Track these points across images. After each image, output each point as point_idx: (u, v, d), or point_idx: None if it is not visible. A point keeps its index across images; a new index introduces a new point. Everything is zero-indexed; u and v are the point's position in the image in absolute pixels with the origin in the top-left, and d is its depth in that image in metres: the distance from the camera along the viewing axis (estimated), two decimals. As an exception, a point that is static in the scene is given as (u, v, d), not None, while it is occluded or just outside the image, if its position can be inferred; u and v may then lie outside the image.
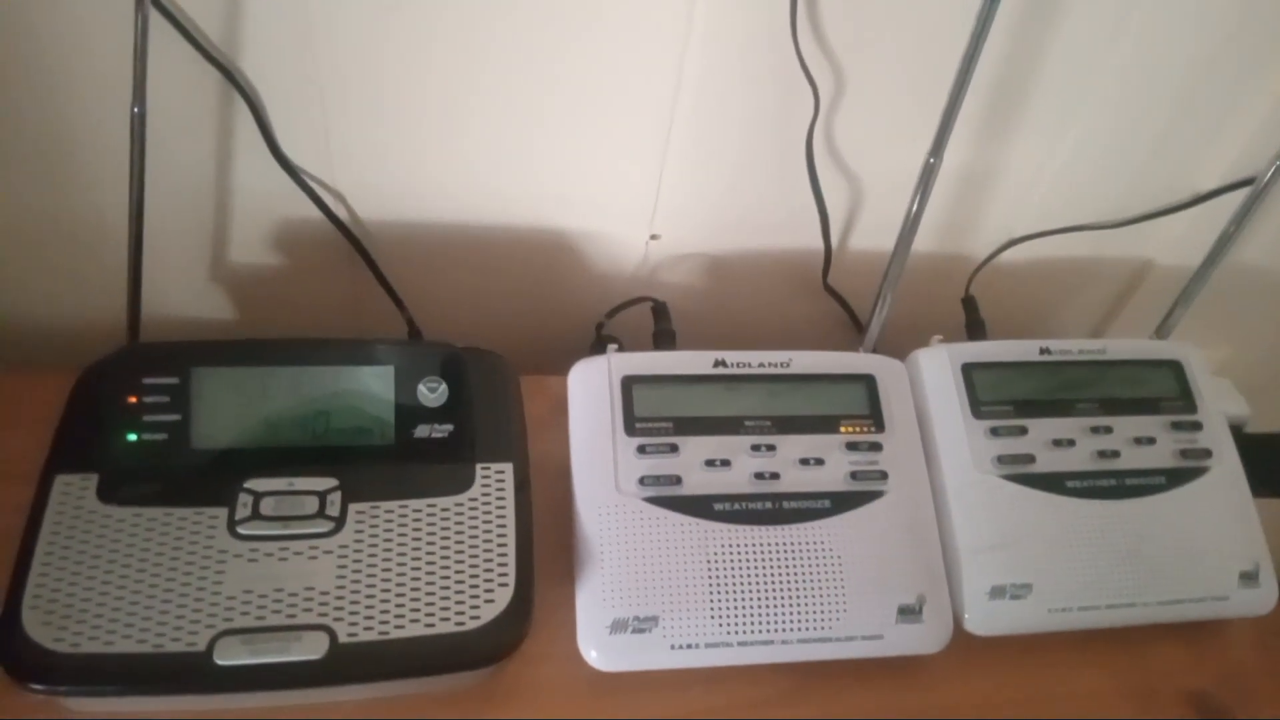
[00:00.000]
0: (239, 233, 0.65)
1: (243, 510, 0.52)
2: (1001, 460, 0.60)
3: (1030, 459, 0.60)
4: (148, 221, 0.56)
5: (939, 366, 0.63)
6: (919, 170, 0.58)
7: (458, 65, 0.58)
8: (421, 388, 0.57)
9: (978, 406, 0.62)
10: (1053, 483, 0.60)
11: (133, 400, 0.54)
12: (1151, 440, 0.62)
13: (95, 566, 0.50)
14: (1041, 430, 0.61)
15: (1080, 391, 0.63)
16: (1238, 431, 0.66)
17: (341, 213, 0.64)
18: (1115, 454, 0.61)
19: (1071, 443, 0.61)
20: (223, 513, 0.52)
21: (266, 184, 0.61)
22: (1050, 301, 0.79)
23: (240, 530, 0.51)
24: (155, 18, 0.52)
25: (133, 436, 0.53)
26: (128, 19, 0.50)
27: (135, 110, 0.52)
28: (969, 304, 0.72)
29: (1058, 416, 0.62)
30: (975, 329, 0.71)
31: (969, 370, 0.63)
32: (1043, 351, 0.64)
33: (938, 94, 0.56)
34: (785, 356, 0.61)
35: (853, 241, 0.72)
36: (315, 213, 0.63)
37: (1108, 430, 0.62)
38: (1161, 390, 0.64)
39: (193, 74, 0.55)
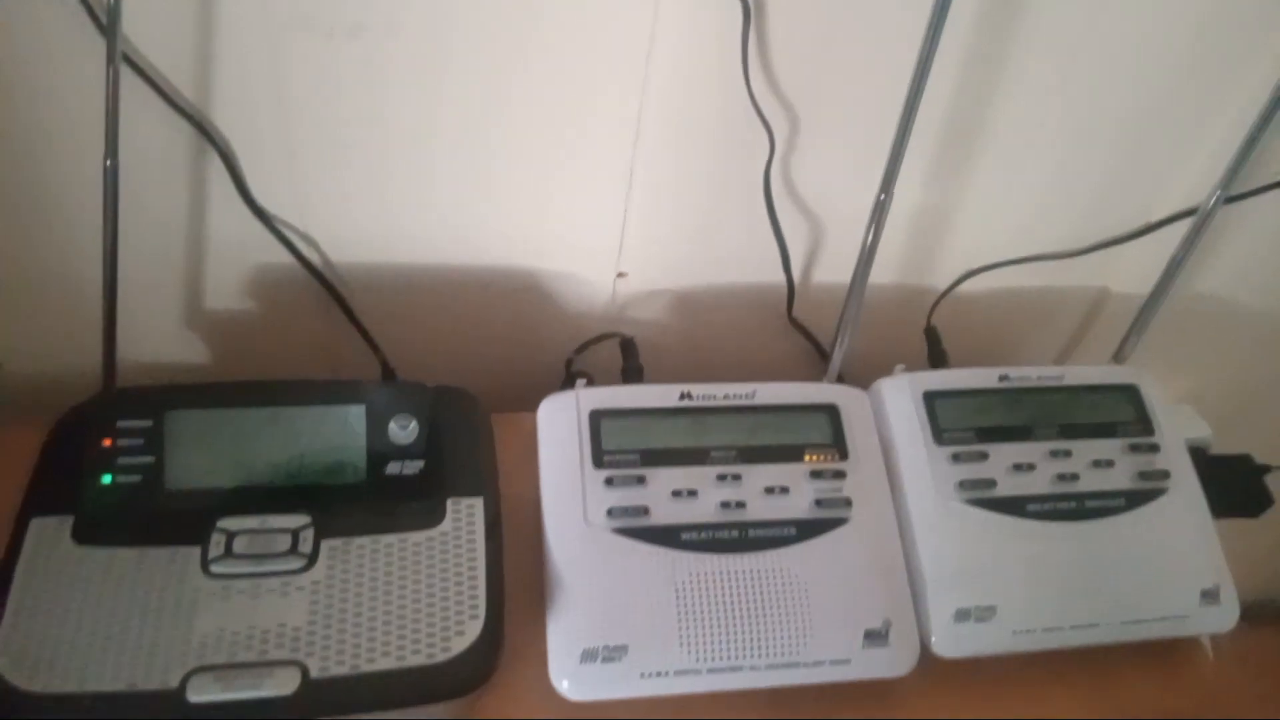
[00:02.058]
0: (214, 279, 0.66)
1: (215, 549, 0.53)
2: (964, 485, 0.61)
3: (992, 484, 0.62)
4: (123, 270, 0.57)
5: (901, 395, 0.64)
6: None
7: (423, 113, 0.60)
8: (393, 425, 0.58)
9: (940, 433, 0.63)
10: (1014, 506, 0.61)
11: (107, 443, 0.55)
12: (1110, 463, 0.63)
13: (69, 607, 0.50)
14: (1002, 455, 0.63)
15: (1040, 417, 0.65)
16: (1200, 454, 0.67)
17: (314, 258, 0.66)
18: (1075, 477, 0.62)
19: (1032, 467, 0.63)
20: (196, 552, 0.53)
21: (240, 231, 0.63)
22: (1012, 331, 0.81)
23: (213, 569, 0.52)
24: (126, 73, 0.54)
25: (108, 479, 0.54)
26: (100, 74, 0.52)
27: (108, 164, 0.53)
28: (931, 334, 0.74)
29: (1018, 441, 0.63)
30: (938, 359, 0.72)
31: (930, 398, 0.64)
32: (1002, 379, 0.66)
33: (890, 131, 0.58)
34: (750, 388, 0.63)
35: (816, 275, 0.74)
36: (288, 258, 0.65)
37: (1067, 454, 0.63)
38: (1119, 414, 0.66)
39: (165, 126, 0.57)
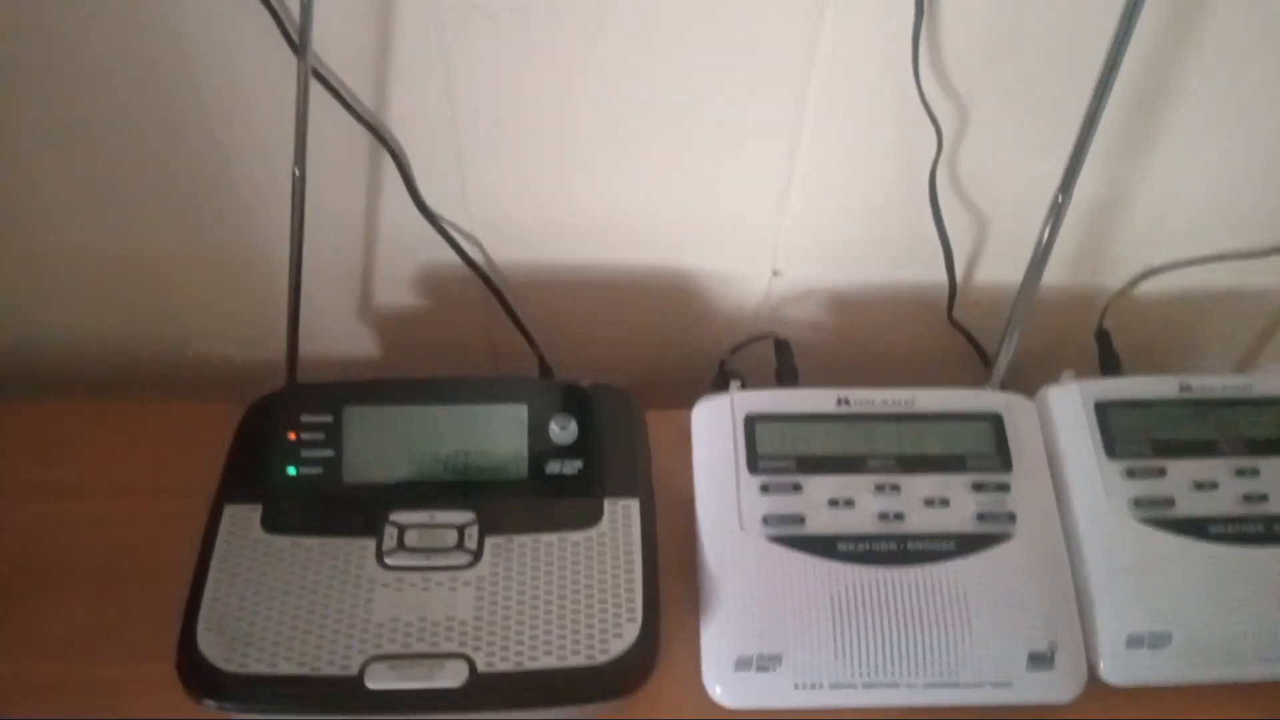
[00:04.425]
0: (384, 276, 0.69)
1: (389, 541, 0.56)
2: (1139, 503, 0.58)
3: (1170, 502, 0.58)
4: (304, 267, 0.60)
5: (1071, 404, 0.62)
6: (1047, 203, 0.57)
7: (584, 113, 0.60)
8: (553, 425, 0.59)
9: (1113, 447, 0.60)
10: (1194, 527, 0.58)
11: (292, 436, 0.59)
12: (1305, 483, 0.59)
13: (260, 591, 0.54)
14: (1182, 472, 0.59)
15: (1224, 431, 0.61)
16: None
17: (477, 255, 0.68)
18: (1264, 497, 0.58)
19: (1215, 485, 0.59)
20: (371, 543, 0.56)
21: (409, 231, 0.65)
22: (1192, 335, 0.76)
23: (387, 561, 0.55)
24: (312, 83, 0.56)
25: (292, 470, 0.58)
26: (285, 84, 0.54)
27: (296, 172, 0.56)
28: (1102, 338, 0.70)
29: (1200, 457, 0.60)
30: (1110, 365, 0.68)
31: (1103, 408, 0.61)
32: (1183, 389, 0.62)
33: (1064, 123, 0.55)
34: (909, 395, 0.61)
35: (978, 275, 0.71)
36: (453, 256, 0.67)
37: (1254, 472, 0.59)
38: (1316, 430, 0.61)
39: (344, 131, 0.60)
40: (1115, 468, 0.59)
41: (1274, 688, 0.56)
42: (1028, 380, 0.64)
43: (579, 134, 0.62)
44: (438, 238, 0.66)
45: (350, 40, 0.56)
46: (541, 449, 0.59)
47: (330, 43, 0.56)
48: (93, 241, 0.67)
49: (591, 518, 0.57)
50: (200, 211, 0.65)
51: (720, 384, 0.64)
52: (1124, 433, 0.61)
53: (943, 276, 0.69)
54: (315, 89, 0.57)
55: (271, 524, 0.56)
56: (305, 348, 0.63)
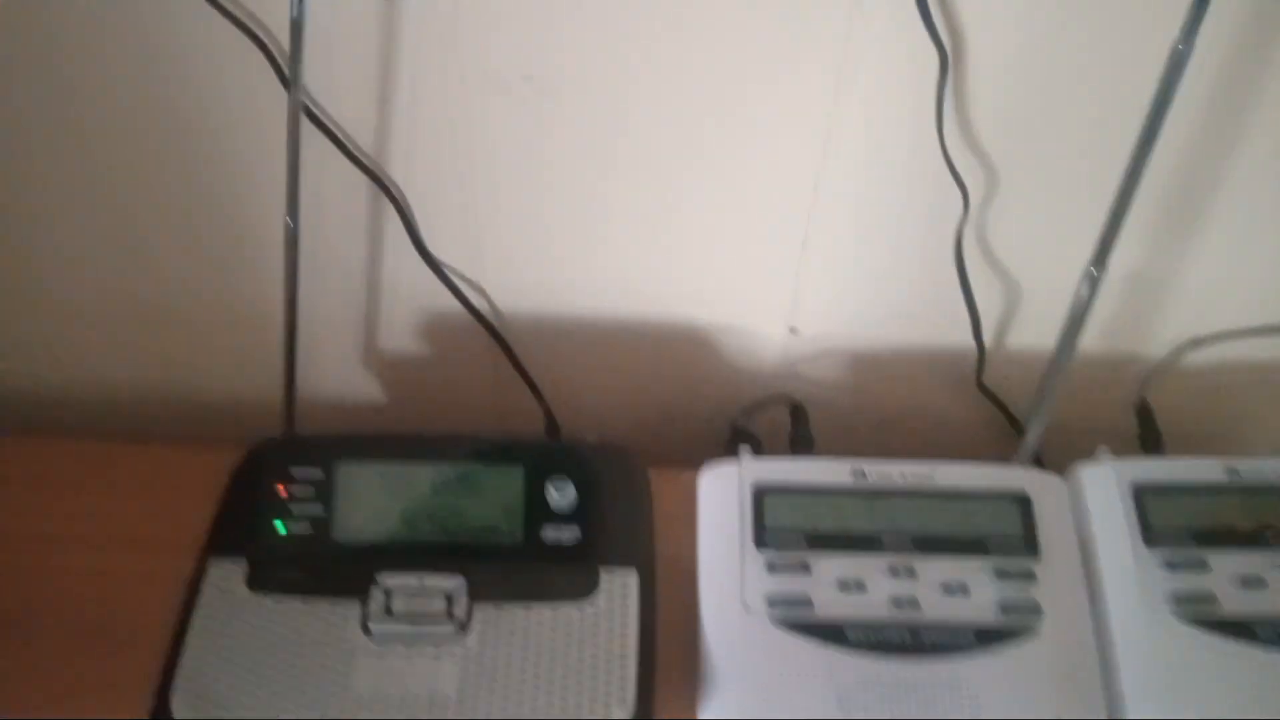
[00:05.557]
0: (387, 324, 0.68)
1: (375, 606, 0.53)
2: (1178, 599, 0.54)
3: (1212, 599, 0.54)
4: (307, 308, 0.59)
5: (1106, 486, 0.57)
6: (1080, 271, 0.54)
7: (596, 162, 0.58)
8: (551, 489, 0.57)
9: (1150, 534, 0.56)
10: (1239, 629, 0.53)
11: (282, 491, 0.57)
12: (1363, 583, 0.54)
13: (240, 655, 0.52)
14: (1227, 565, 0.55)
15: (1275, 522, 0.56)
16: None
17: (483, 306, 0.66)
18: (1317, 598, 0.54)
19: (1263, 582, 0.54)
20: (356, 607, 0.53)
21: (413, 279, 0.63)
22: (1240, 413, 0.71)
23: (372, 627, 0.53)
24: (308, 125, 0.55)
25: (281, 527, 0.56)
26: (282, 125, 0.53)
27: (288, 222, 0.54)
28: (1142, 412, 0.66)
29: (1248, 550, 0.55)
30: (1150, 442, 0.64)
31: (1141, 492, 0.57)
32: (1230, 473, 0.58)
33: (1100, 191, 0.51)
34: (929, 469, 0.58)
35: (1010, 340, 0.67)
36: (458, 305, 0.65)
37: (1308, 569, 0.55)
38: (1376, 523, 0.56)
39: (344, 175, 0.58)
40: (1153, 558, 0.55)
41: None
42: (1060, 453, 0.60)
43: (593, 189, 0.60)
44: (442, 286, 0.64)
45: (349, 85, 0.54)
46: (538, 513, 0.57)
47: (329, 86, 0.54)
48: (100, 284, 0.66)
49: (587, 589, 0.55)
50: (204, 254, 0.64)
51: (732, 447, 0.61)
52: (1164, 520, 0.56)
53: (970, 340, 0.66)
54: (313, 132, 0.55)
55: (257, 582, 0.54)
56: (308, 391, 0.62)
